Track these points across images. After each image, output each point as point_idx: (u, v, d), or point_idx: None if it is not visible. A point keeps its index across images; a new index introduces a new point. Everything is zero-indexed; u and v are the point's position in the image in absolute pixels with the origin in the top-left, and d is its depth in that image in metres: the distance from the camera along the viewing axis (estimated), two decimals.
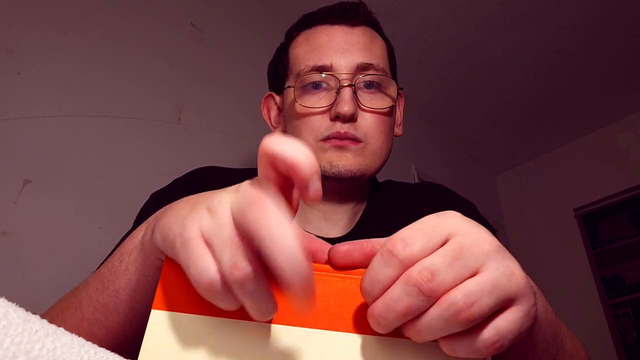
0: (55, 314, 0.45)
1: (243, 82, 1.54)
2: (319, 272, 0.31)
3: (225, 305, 0.27)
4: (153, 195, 0.67)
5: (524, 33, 2.00)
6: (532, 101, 2.40)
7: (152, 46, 1.35)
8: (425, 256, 0.28)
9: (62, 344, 0.22)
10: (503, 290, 0.27)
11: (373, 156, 0.64)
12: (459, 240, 0.28)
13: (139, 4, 1.36)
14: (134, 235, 0.40)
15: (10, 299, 0.23)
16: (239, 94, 1.51)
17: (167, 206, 0.36)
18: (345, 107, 0.61)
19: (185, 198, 0.34)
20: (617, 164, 2.48)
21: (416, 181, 2.12)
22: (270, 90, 0.76)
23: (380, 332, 0.29)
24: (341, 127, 0.62)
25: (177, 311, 0.29)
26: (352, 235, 0.65)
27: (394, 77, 0.72)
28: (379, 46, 0.70)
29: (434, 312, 0.27)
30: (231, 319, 0.29)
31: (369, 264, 0.29)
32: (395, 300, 0.27)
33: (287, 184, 0.29)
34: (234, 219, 0.27)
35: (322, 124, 0.63)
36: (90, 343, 0.24)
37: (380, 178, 0.78)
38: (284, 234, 0.24)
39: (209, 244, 0.27)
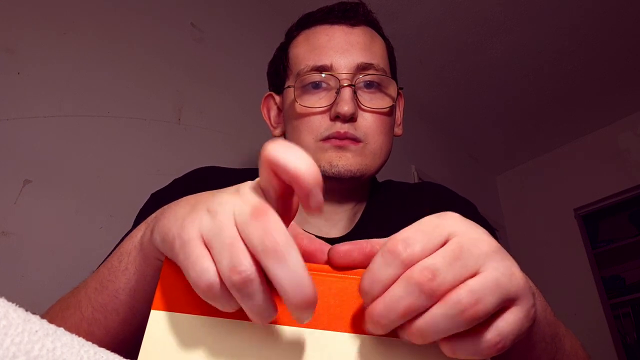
0: (54, 314, 0.45)
1: (243, 82, 1.54)
2: (319, 272, 0.31)
3: (224, 307, 0.27)
4: (153, 195, 0.67)
5: (524, 33, 2.00)
6: (532, 101, 2.40)
7: (152, 46, 1.35)
8: (426, 256, 0.28)
9: (62, 344, 0.22)
10: (505, 289, 0.27)
11: (373, 156, 0.64)
12: (459, 241, 0.28)
13: (139, 4, 1.36)
14: (133, 235, 0.40)
15: (10, 299, 0.23)
16: (239, 94, 1.51)
17: (166, 206, 0.36)
18: (345, 107, 0.61)
19: (184, 198, 0.34)
20: (617, 164, 2.47)
21: (416, 181, 2.12)
22: (270, 90, 0.76)
23: (377, 333, 0.28)
24: (341, 127, 0.62)
25: (176, 311, 0.29)
26: (352, 235, 0.65)
27: (394, 77, 0.72)
28: (379, 46, 0.70)
29: (438, 311, 0.27)
30: (231, 320, 0.29)
31: (368, 264, 0.29)
32: (396, 300, 0.27)
33: (288, 189, 0.29)
34: (236, 225, 0.27)
35: (322, 124, 0.63)
36: (90, 343, 0.24)
37: (380, 178, 0.78)
38: (289, 255, 0.25)
39: (208, 246, 0.27)
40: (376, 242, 0.31)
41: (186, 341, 0.28)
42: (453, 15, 1.90)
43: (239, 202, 0.28)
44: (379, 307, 0.27)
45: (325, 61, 0.65)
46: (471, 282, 0.27)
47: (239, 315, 0.29)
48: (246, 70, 1.55)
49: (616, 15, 1.93)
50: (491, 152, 2.78)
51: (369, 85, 0.65)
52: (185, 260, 0.27)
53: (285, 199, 0.30)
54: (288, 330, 0.29)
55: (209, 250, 0.27)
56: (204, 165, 0.72)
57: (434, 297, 0.27)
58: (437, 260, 0.27)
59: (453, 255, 0.27)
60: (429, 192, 0.74)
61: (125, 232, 0.57)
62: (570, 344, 0.48)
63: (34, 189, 0.99)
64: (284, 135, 0.72)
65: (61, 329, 0.23)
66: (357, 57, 0.65)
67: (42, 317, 0.24)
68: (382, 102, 0.66)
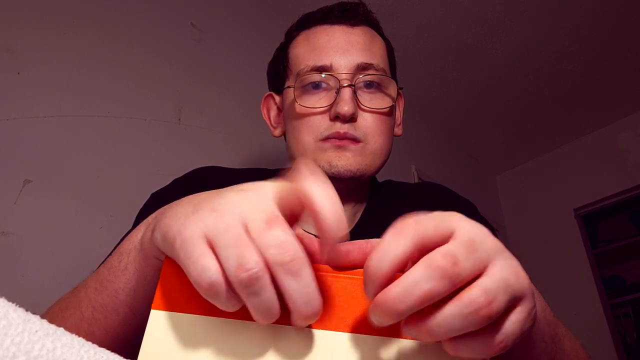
0: (54, 314, 0.45)
1: (243, 82, 1.54)
2: (319, 272, 0.31)
3: (225, 306, 0.27)
4: (153, 195, 0.67)
5: (524, 33, 2.00)
6: (532, 101, 2.40)
7: (152, 46, 1.35)
8: (438, 237, 0.28)
9: (62, 344, 0.22)
10: (513, 289, 0.27)
11: (373, 156, 0.64)
12: (469, 235, 0.28)
13: (139, 4, 1.36)
14: (133, 235, 0.40)
15: (10, 299, 0.23)
16: (239, 94, 1.51)
17: (167, 206, 0.35)
18: (345, 107, 0.61)
19: (186, 198, 0.34)
20: (617, 164, 2.47)
21: (416, 181, 2.11)
22: (270, 90, 0.76)
23: (383, 323, 0.27)
24: (341, 127, 0.62)
25: (176, 311, 0.29)
26: (352, 235, 0.65)
27: (394, 77, 0.71)
28: (379, 46, 0.70)
29: (452, 309, 0.26)
30: (231, 319, 0.29)
31: None
32: (416, 283, 0.26)
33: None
34: (246, 228, 0.27)
35: (321, 124, 0.63)
36: (90, 343, 0.24)
37: (380, 178, 0.78)
38: (303, 270, 0.26)
39: (211, 244, 0.27)
40: (376, 242, 0.31)
41: (186, 341, 0.28)
42: (453, 15, 1.90)
43: (250, 206, 0.28)
44: (395, 291, 0.26)
45: (325, 61, 0.65)
46: (484, 281, 0.27)
47: (240, 315, 0.29)
48: (246, 70, 1.55)
49: (616, 15, 1.93)
50: (491, 152, 2.78)
51: (368, 85, 0.65)
52: (187, 258, 0.27)
53: (297, 216, 0.31)
54: (288, 330, 0.29)
55: (211, 249, 0.27)
56: (204, 165, 0.72)
57: (455, 284, 0.26)
58: (455, 247, 0.27)
59: (469, 246, 0.27)
60: (429, 192, 0.74)
61: (125, 232, 0.57)
62: (570, 344, 0.48)
63: (34, 189, 0.99)
64: (284, 135, 0.72)
65: (61, 329, 0.23)
66: (357, 57, 0.65)
67: (42, 317, 0.24)
68: (382, 102, 0.66)
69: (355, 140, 0.63)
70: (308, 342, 0.29)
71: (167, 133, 1.29)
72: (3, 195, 0.95)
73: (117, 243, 0.54)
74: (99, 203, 1.09)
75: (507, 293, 0.27)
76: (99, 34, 1.23)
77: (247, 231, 0.27)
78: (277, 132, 0.73)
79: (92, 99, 1.16)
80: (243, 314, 0.28)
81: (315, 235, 0.34)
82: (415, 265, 0.27)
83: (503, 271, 0.28)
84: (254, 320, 0.28)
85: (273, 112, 0.75)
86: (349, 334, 0.30)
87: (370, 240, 0.32)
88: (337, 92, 0.63)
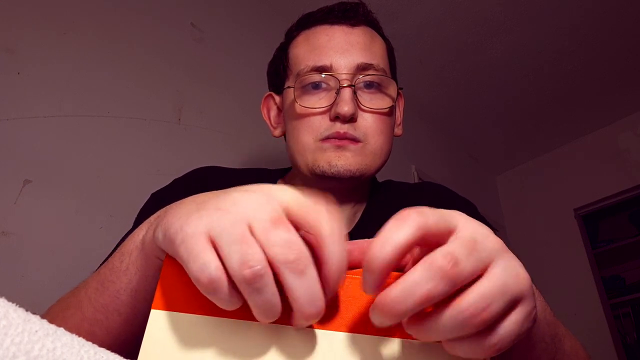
0: (55, 314, 0.45)
1: (243, 82, 1.54)
2: None
3: (225, 304, 0.27)
4: (153, 195, 0.67)
5: (524, 33, 2.00)
6: (532, 101, 2.40)
7: (152, 46, 1.35)
8: (440, 230, 0.28)
9: (62, 344, 0.22)
10: (511, 292, 0.27)
11: (373, 156, 0.64)
12: (471, 234, 0.28)
13: (139, 4, 1.36)
14: (135, 235, 0.40)
15: (10, 299, 0.23)
16: (239, 94, 1.51)
17: (170, 205, 0.35)
18: (345, 108, 0.61)
19: (189, 197, 0.34)
20: (617, 164, 2.47)
21: (416, 181, 2.12)
22: (270, 90, 0.76)
23: (384, 323, 0.28)
24: (341, 127, 0.62)
25: (176, 311, 0.29)
26: (352, 235, 0.65)
27: (394, 77, 0.71)
28: (379, 46, 0.70)
29: (447, 314, 0.26)
30: (231, 319, 0.29)
31: None
32: (416, 284, 0.26)
33: None
34: (250, 227, 0.27)
35: (321, 124, 0.63)
36: (90, 343, 0.24)
37: (380, 178, 0.78)
38: (308, 269, 0.26)
39: (214, 241, 0.27)
40: None
41: (186, 341, 0.28)
42: (453, 15, 1.90)
43: (255, 206, 0.28)
44: (394, 292, 0.26)
45: (325, 61, 0.65)
46: (480, 286, 0.27)
47: (240, 314, 0.29)
48: (246, 70, 1.55)
49: (616, 15, 1.93)
50: (491, 152, 2.78)
51: (368, 85, 0.65)
52: (187, 254, 0.27)
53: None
54: (288, 330, 0.29)
55: (214, 246, 0.27)
56: (204, 165, 0.72)
57: (455, 285, 0.26)
58: (456, 247, 0.27)
59: (470, 246, 0.27)
60: (429, 192, 0.74)
61: (125, 232, 0.58)
62: (570, 344, 0.48)
63: (34, 189, 0.99)
64: (284, 135, 0.72)
65: (61, 329, 0.23)
66: (357, 57, 0.65)
67: (43, 317, 0.24)
68: (382, 102, 0.66)
69: (355, 140, 0.63)
70: (308, 341, 0.29)
71: (167, 133, 1.29)
72: (3, 195, 0.95)
73: (117, 243, 0.54)
74: (99, 203, 1.09)
75: (504, 297, 0.27)
76: (99, 34, 1.23)
77: (251, 230, 0.27)
78: (277, 132, 0.73)
79: (92, 99, 1.16)
80: (243, 314, 0.28)
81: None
82: (416, 266, 0.27)
83: (503, 273, 0.28)
84: (255, 320, 0.28)
85: (273, 112, 0.75)
86: (349, 333, 0.30)
87: (371, 240, 0.32)
88: (337, 93, 0.63)
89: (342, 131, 0.62)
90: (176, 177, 0.70)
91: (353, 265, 0.31)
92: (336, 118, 0.62)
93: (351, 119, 0.62)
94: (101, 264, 0.49)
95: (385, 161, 0.68)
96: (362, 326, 0.30)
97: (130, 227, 0.59)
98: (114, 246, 0.55)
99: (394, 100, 0.67)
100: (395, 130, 0.72)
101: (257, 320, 0.28)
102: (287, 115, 0.69)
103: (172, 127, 1.31)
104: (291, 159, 0.69)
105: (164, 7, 1.42)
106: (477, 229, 0.29)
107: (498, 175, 2.97)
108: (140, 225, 0.40)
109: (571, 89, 2.32)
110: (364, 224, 0.67)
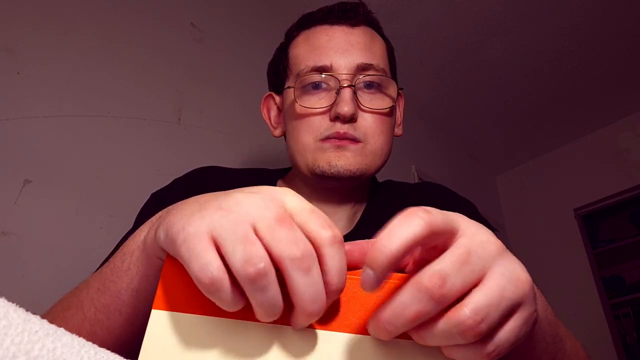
0: (56, 314, 0.45)
1: (243, 82, 1.54)
2: None
3: (227, 304, 0.27)
4: (153, 195, 0.67)
5: (524, 33, 2.00)
6: (532, 101, 2.40)
7: (152, 46, 1.35)
8: (446, 230, 0.28)
9: (62, 344, 0.22)
10: (509, 300, 0.27)
11: (373, 156, 0.64)
12: (466, 243, 0.28)
13: (139, 4, 1.36)
14: (136, 235, 0.40)
15: (10, 299, 0.23)
16: (239, 94, 1.51)
17: (172, 206, 0.35)
18: (345, 108, 0.61)
19: (192, 198, 0.34)
20: (617, 164, 2.47)
21: (416, 181, 2.12)
22: (270, 90, 0.76)
23: (382, 338, 0.28)
24: (341, 128, 0.62)
25: (177, 311, 0.29)
26: (352, 235, 0.65)
27: (394, 77, 0.71)
28: (379, 46, 0.70)
29: (441, 326, 0.27)
30: (232, 319, 0.29)
31: None
32: (404, 306, 0.26)
33: None
34: (254, 227, 0.27)
35: (322, 124, 0.63)
36: (90, 343, 0.24)
37: (380, 178, 0.78)
38: (314, 266, 0.26)
39: (217, 241, 0.27)
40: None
41: (187, 341, 0.28)
42: (453, 15, 1.90)
43: (259, 206, 0.28)
44: (386, 313, 0.27)
45: (325, 61, 0.65)
46: (476, 297, 0.27)
47: (241, 315, 0.29)
48: (246, 70, 1.55)
49: (616, 15, 1.93)
50: (491, 152, 2.78)
51: (369, 85, 0.65)
52: (189, 253, 0.27)
53: None
54: (289, 331, 0.29)
55: (216, 246, 0.27)
56: (204, 165, 0.72)
57: (443, 303, 0.27)
58: (445, 264, 0.27)
59: (461, 260, 0.27)
60: (429, 192, 0.74)
61: (126, 232, 0.58)
62: (571, 344, 0.48)
63: (34, 189, 0.99)
64: (284, 135, 0.72)
65: (61, 329, 0.23)
66: (357, 57, 0.65)
67: (44, 317, 0.24)
68: (382, 102, 0.66)
69: (355, 140, 0.63)
70: (308, 342, 0.29)
71: (167, 133, 1.29)
72: (3, 195, 0.95)
73: (117, 243, 0.54)
74: (99, 203, 1.09)
75: (500, 307, 0.27)
76: (99, 34, 1.23)
77: (255, 231, 0.27)
78: (277, 132, 0.73)
79: (92, 99, 1.16)
80: (244, 314, 0.28)
81: None
82: (404, 287, 0.27)
83: (500, 280, 0.27)
84: (255, 321, 0.28)
85: (273, 112, 0.75)
86: (350, 334, 0.30)
87: (371, 240, 0.32)
88: (337, 93, 0.63)
89: (342, 131, 0.62)
90: (176, 177, 0.70)
91: (353, 266, 0.31)
92: (336, 118, 0.62)
93: (351, 119, 0.62)
94: (102, 264, 0.49)
95: (385, 161, 0.68)
96: (361, 326, 0.30)
97: (130, 227, 0.59)
98: (114, 246, 0.55)
99: (394, 101, 0.67)
100: (396, 130, 0.72)
101: (257, 321, 0.28)
102: (287, 115, 0.69)
103: (172, 127, 1.31)
104: (291, 159, 0.69)
105: (164, 7, 1.42)
106: (477, 234, 0.29)
107: (498, 175, 2.97)
108: (142, 226, 0.40)
109: (571, 89, 2.32)
110: (364, 224, 0.67)
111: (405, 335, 0.29)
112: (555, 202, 2.63)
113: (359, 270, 0.31)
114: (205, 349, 0.28)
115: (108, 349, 0.25)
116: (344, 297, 0.31)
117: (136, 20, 1.33)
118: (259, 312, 0.27)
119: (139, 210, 0.64)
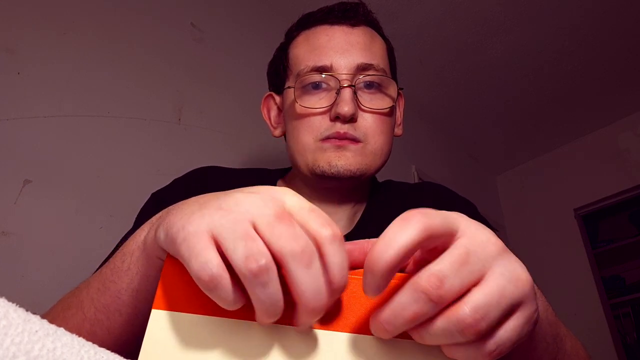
0: (56, 314, 0.45)
1: (243, 82, 1.54)
2: None
3: (226, 302, 0.27)
4: (153, 195, 0.67)
5: (524, 33, 2.00)
6: (532, 101, 2.40)
7: (152, 46, 1.35)
8: (444, 231, 0.28)
9: (62, 344, 0.22)
10: (509, 299, 0.27)
11: (373, 156, 0.64)
12: (466, 244, 0.28)
13: (139, 4, 1.36)
14: (136, 235, 0.40)
15: (10, 299, 0.23)
16: (239, 94, 1.51)
17: (172, 206, 0.35)
18: (345, 108, 0.61)
19: (192, 198, 0.34)
20: (617, 164, 2.47)
21: (416, 181, 2.12)
22: (270, 90, 0.76)
23: (382, 337, 0.29)
24: (341, 128, 0.62)
25: (177, 311, 0.29)
26: (352, 235, 0.65)
27: (394, 77, 0.71)
28: (379, 46, 0.70)
29: (440, 325, 0.27)
30: (232, 319, 0.29)
31: None
32: (402, 307, 0.27)
33: None
34: (254, 224, 0.27)
35: (322, 124, 0.63)
36: (90, 343, 0.24)
37: (380, 178, 0.78)
38: (315, 261, 0.26)
39: (217, 239, 0.27)
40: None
41: (187, 341, 0.28)
42: (453, 15, 1.90)
43: (259, 205, 0.28)
44: (385, 313, 0.27)
45: (325, 61, 0.65)
46: (476, 296, 0.27)
47: (241, 314, 0.29)
48: (246, 70, 1.55)
49: (616, 15, 1.93)
50: (491, 152, 2.78)
51: (369, 85, 0.65)
52: (189, 252, 0.27)
53: None
54: (289, 331, 0.29)
55: (217, 244, 0.27)
56: (204, 165, 0.72)
57: (441, 304, 0.27)
58: (444, 265, 0.27)
59: (460, 260, 0.27)
60: (429, 192, 0.74)
61: (126, 232, 0.58)
62: (572, 344, 0.48)
63: (34, 189, 0.99)
64: (284, 135, 0.72)
65: (61, 329, 0.23)
66: (357, 57, 0.65)
67: (44, 317, 0.24)
68: (382, 102, 0.66)
69: (355, 140, 0.63)
70: (309, 342, 0.29)
71: (167, 133, 1.29)
72: (3, 195, 0.95)
73: (117, 243, 0.54)
74: (99, 203, 1.09)
75: (500, 306, 0.27)
76: (99, 34, 1.23)
77: (255, 229, 0.27)
78: (277, 132, 0.73)
79: (92, 99, 1.16)
80: (244, 314, 0.28)
81: None
82: (402, 287, 0.27)
83: (499, 280, 0.27)
84: (255, 320, 0.28)
85: (273, 112, 0.75)
86: (350, 334, 0.30)
87: (371, 240, 0.32)
88: (337, 93, 0.63)
89: (342, 131, 0.62)
90: (176, 177, 0.70)
91: (354, 266, 0.31)
92: (336, 118, 0.62)
93: (351, 119, 0.62)
94: (102, 264, 0.49)
95: (386, 161, 0.68)
96: (363, 326, 0.30)
97: (131, 227, 0.59)
98: (114, 246, 0.55)
99: (394, 101, 0.67)
100: (396, 130, 0.72)
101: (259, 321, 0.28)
102: (287, 115, 0.69)
103: (172, 127, 1.31)
104: (291, 159, 0.69)
105: (164, 7, 1.42)
106: (477, 234, 0.29)
107: (498, 175, 2.97)
108: (142, 226, 0.40)
109: (571, 89, 2.32)
110: (364, 224, 0.67)
111: (407, 335, 0.29)
112: (555, 202, 2.63)
113: (359, 270, 0.31)
114: (205, 349, 0.28)
115: (108, 349, 0.25)
116: (344, 297, 0.31)
117: (136, 20, 1.33)
118: (259, 311, 0.27)
119: (139, 210, 0.64)
